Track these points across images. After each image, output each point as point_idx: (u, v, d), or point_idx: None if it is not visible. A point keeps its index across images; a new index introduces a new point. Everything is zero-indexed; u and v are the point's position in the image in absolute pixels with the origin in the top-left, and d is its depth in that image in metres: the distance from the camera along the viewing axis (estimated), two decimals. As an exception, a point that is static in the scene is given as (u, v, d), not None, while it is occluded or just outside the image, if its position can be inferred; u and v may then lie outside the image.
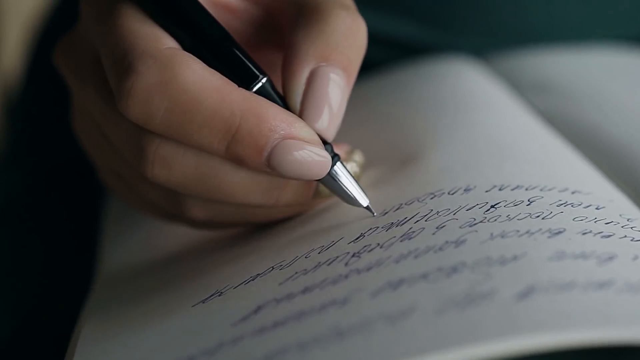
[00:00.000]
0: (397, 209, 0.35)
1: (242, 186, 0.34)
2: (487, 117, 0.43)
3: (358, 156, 0.37)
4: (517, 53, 0.51)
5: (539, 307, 0.27)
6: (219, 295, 0.34)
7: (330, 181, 0.35)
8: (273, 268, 0.34)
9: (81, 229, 0.52)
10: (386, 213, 0.35)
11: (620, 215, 0.33)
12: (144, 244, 0.43)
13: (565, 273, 0.29)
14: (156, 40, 0.33)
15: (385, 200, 0.36)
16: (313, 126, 0.34)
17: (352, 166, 0.37)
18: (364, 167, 0.38)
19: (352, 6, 0.35)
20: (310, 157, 0.33)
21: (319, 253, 0.34)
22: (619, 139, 0.41)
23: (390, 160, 0.39)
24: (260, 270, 0.35)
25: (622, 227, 0.32)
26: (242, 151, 0.33)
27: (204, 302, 0.34)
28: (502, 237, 0.31)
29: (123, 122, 0.34)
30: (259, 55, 0.35)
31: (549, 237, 0.31)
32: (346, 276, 0.32)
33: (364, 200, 0.35)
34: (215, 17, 0.34)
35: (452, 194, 0.35)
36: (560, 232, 0.31)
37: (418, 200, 0.35)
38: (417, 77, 0.48)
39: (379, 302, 0.29)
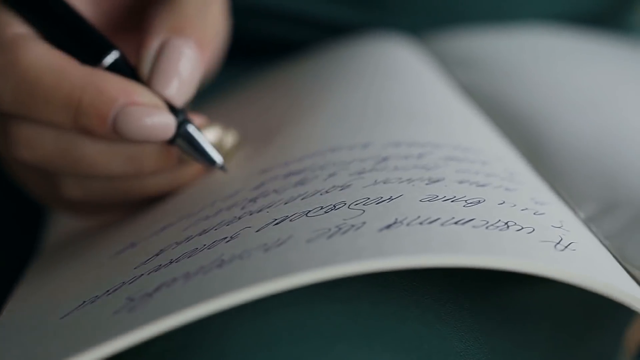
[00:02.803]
0: (299, 160, 0.40)
1: (101, 156, 0.39)
2: (402, 86, 0.48)
3: (231, 135, 0.42)
4: (449, 32, 0.56)
5: (399, 236, 0.32)
6: (132, 247, 0.39)
7: (183, 144, 0.39)
8: (182, 218, 0.39)
9: (24, 210, 0.56)
10: (288, 164, 0.40)
11: (504, 170, 0.38)
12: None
13: (432, 211, 0.33)
14: (3, 28, 0.38)
15: (289, 152, 0.41)
16: (162, 93, 0.38)
17: (214, 131, 0.41)
18: (237, 145, 0.42)
19: None
20: (152, 120, 0.37)
21: (222, 201, 0.39)
22: (522, 108, 0.46)
23: (292, 124, 0.44)
24: (172, 221, 0.39)
25: (501, 178, 0.37)
26: (88, 122, 0.37)
27: (119, 254, 0.39)
28: (385, 183, 0.36)
29: None
30: (131, 38, 0.40)
31: (427, 184, 0.36)
32: (239, 218, 0.36)
33: (217, 160, 0.39)
34: (84, 7, 0.40)
35: (351, 148, 0.40)
36: (438, 181, 0.36)
37: (319, 153, 0.40)
38: (341, 53, 0.53)
39: (260, 235, 0.34)
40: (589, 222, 0.37)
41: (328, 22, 0.58)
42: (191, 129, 0.39)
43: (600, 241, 0.36)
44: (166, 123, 0.38)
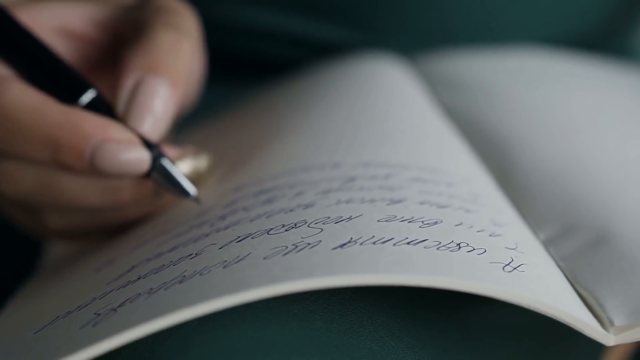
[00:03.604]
0: (271, 178, 0.41)
1: (80, 190, 0.41)
2: (384, 107, 0.49)
3: (204, 157, 0.43)
4: (439, 54, 0.58)
5: (350, 255, 0.33)
6: (110, 264, 0.40)
7: (158, 177, 0.41)
8: (157, 235, 0.41)
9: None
10: (261, 182, 0.41)
11: (468, 191, 0.39)
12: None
13: (387, 232, 0.34)
14: None
15: (263, 171, 0.42)
16: (137, 130, 0.40)
17: (188, 163, 0.43)
18: (210, 167, 0.44)
19: (182, 27, 0.42)
20: (127, 156, 0.39)
21: (195, 218, 0.40)
22: (498, 130, 0.47)
23: (273, 143, 0.46)
24: (148, 238, 0.41)
25: (464, 200, 0.38)
26: (66, 159, 0.39)
27: (98, 270, 0.40)
28: (347, 202, 0.37)
29: None
30: (110, 76, 0.42)
31: (387, 204, 0.37)
32: (207, 235, 0.38)
33: (191, 191, 0.41)
34: (62, 45, 0.42)
35: (322, 168, 0.41)
36: (400, 202, 0.37)
37: (291, 172, 0.41)
38: (328, 73, 0.55)
39: (222, 252, 0.35)
40: (548, 244, 0.39)
41: (321, 43, 0.59)
42: (165, 162, 0.41)
43: (556, 263, 0.37)
44: (141, 158, 0.40)
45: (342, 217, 0.36)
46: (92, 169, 0.39)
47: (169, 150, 0.42)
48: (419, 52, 0.59)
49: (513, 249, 0.35)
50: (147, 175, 0.41)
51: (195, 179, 0.43)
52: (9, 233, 0.57)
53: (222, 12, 0.59)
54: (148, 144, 0.41)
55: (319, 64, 0.58)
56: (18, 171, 0.41)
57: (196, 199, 0.41)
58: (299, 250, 0.34)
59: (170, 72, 0.40)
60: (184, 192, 0.41)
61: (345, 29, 0.59)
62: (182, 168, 0.42)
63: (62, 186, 0.41)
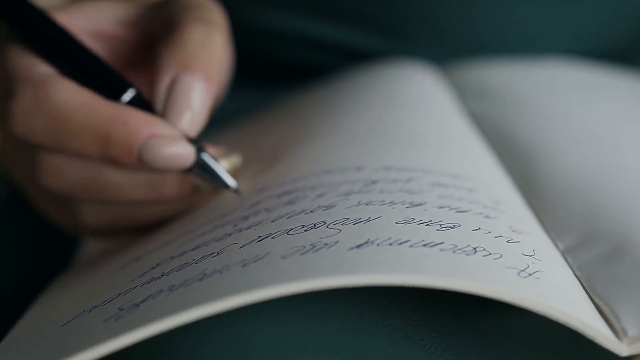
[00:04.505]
0: (294, 180, 0.42)
1: (125, 184, 0.42)
2: (411, 112, 0.49)
3: (235, 157, 0.44)
4: (469, 63, 0.58)
5: (366, 256, 0.33)
6: (136, 261, 0.41)
7: (200, 171, 0.42)
8: (182, 234, 0.41)
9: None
10: (284, 184, 0.42)
11: (489, 198, 0.40)
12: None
13: (404, 234, 0.35)
14: (31, 68, 0.42)
15: (287, 173, 0.43)
16: (177, 126, 0.41)
17: (226, 160, 0.44)
18: (240, 167, 0.45)
19: (211, 21, 0.43)
20: (173, 150, 0.41)
21: (219, 218, 0.41)
22: (524, 138, 0.47)
23: (300, 146, 0.47)
24: (173, 236, 0.42)
25: (484, 206, 0.38)
26: (116, 153, 0.41)
27: (124, 267, 0.41)
28: (367, 204, 0.38)
29: (19, 142, 0.43)
30: (144, 74, 0.44)
31: (407, 207, 0.37)
32: (229, 234, 0.39)
33: (231, 183, 0.42)
34: (96, 46, 0.44)
35: (345, 171, 0.42)
36: (419, 205, 0.38)
37: (314, 175, 0.42)
38: (359, 78, 0.56)
39: (242, 251, 0.36)
40: (567, 252, 0.39)
41: (353, 50, 0.60)
42: (206, 156, 0.42)
43: (574, 272, 0.37)
44: (185, 152, 0.41)
45: (360, 218, 0.36)
46: (140, 163, 0.41)
47: (210, 148, 0.44)
48: (450, 61, 0.59)
49: (530, 255, 0.35)
50: (189, 169, 0.42)
51: (233, 174, 0.44)
52: (50, 229, 0.58)
53: (256, 18, 0.60)
54: (189, 139, 0.42)
55: (350, 69, 0.58)
56: (64, 165, 0.42)
57: (236, 191, 0.42)
58: (316, 250, 0.34)
59: (205, 67, 0.41)
60: (224, 185, 0.42)
61: (377, 36, 0.59)
62: (222, 163, 0.43)
63: (107, 180, 0.42)
